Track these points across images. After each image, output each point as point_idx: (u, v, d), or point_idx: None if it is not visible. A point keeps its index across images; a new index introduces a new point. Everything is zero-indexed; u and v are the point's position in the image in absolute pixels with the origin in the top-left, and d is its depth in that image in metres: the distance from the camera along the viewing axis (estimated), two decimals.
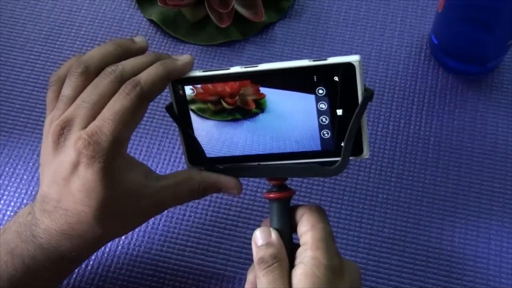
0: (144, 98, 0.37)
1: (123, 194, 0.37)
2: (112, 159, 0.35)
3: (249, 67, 0.37)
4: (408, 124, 0.58)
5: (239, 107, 0.38)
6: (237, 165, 0.40)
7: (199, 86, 0.38)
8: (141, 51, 0.41)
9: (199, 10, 0.63)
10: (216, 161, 0.40)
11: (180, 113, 0.40)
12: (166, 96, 0.59)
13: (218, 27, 0.63)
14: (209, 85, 0.38)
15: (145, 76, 0.37)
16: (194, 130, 0.40)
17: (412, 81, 0.60)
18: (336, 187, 0.54)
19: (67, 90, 0.37)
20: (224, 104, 0.38)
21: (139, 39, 0.41)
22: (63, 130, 0.36)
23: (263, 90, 0.37)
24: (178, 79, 0.39)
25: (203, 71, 0.38)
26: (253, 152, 0.39)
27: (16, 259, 0.37)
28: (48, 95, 0.39)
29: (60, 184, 0.36)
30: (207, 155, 0.40)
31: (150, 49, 0.63)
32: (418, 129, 0.57)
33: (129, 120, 0.36)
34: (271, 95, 0.37)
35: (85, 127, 0.36)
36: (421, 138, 0.57)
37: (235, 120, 0.39)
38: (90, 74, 0.37)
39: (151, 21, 0.65)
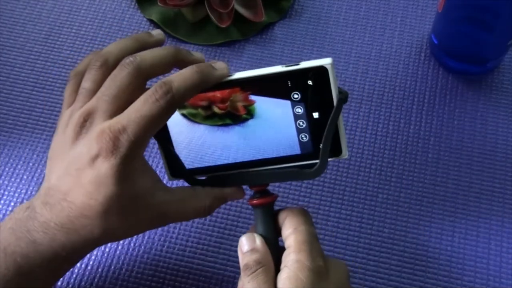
0: (173, 106, 0.36)
1: (131, 196, 0.37)
2: (130, 159, 0.35)
3: None
4: (408, 124, 0.58)
5: (230, 112, 0.38)
6: (217, 175, 0.40)
7: None
8: (158, 44, 0.41)
9: (199, 10, 0.63)
10: (196, 172, 0.41)
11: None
12: None
13: (218, 27, 0.63)
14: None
15: (178, 82, 0.36)
16: (179, 136, 0.39)
17: (412, 81, 0.60)
18: (336, 187, 0.54)
19: (87, 83, 0.38)
20: (215, 109, 0.38)
21: (156, 32, 0.41)
22: (86, 122, 0.36)
23: (253, 97, 0.38)
24: None
25: None
26: (233, 160, 0.40)
27: (9, 258, 0.37)
28: (67, 89, 0.39)
29: (73, 175, 0.36)
30: (188, 166, 0.40)
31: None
32: (418, 129, 0.57)
33: (154, 126, 0.36)
34: (260, 101, 0.38)
35: (106, 119, 0.36)
36: (421, 138, 0.57)
37: (225, 125, 0.39)
38: (109, 67, 0.38)
39: (151, 21, 0.65)
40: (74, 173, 0.36)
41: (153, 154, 0.56)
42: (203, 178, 0.41)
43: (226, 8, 0.61)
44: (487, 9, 0.53)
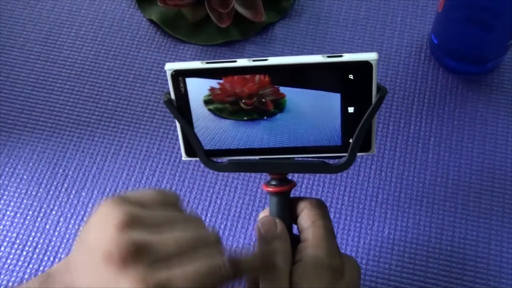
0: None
1: None
2: None
3: (257, 60, 0.35)
4: (408, 124, 0.58)
5: (257, 107, 0.37)
6: (236, 160, 0.39)
7: (217, 86, 0.36)
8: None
9: (199, 10, 0.63)
10: (214, 154, 0.39)
11: (179, 106, 0.37)
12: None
13: (218, 27, 0.63)
14: (227, 86, 0.36)
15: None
16: (196, 123, 0.38)
17: (412, 81, 0.60)
18: (336, 187, 0.54)
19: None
20: (242, 105, 0.37)
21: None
22: (135, 257, 0.29)
23: (283, 89, 0.36)
24: (178, 72, 0.36)
25: (206, 63, 0.36)
26: (255, 146, 0.38)
27: None
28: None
29: None
30: (206, 147, 0.38)
31: (149, 48, 0.63)
32: (418, 129, 0.57)
33: None
34: (291, 94, 0.36)
35: (153, 264, 0.30)
36: (421, 138, 0.57)
37: (251, 120, 0.37)
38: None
39: (151, 21, 0.65)
40: None
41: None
42: (221, 161, 0.39)
43: (226, 8, 0.61)
44: (487, 9, 0.53)
